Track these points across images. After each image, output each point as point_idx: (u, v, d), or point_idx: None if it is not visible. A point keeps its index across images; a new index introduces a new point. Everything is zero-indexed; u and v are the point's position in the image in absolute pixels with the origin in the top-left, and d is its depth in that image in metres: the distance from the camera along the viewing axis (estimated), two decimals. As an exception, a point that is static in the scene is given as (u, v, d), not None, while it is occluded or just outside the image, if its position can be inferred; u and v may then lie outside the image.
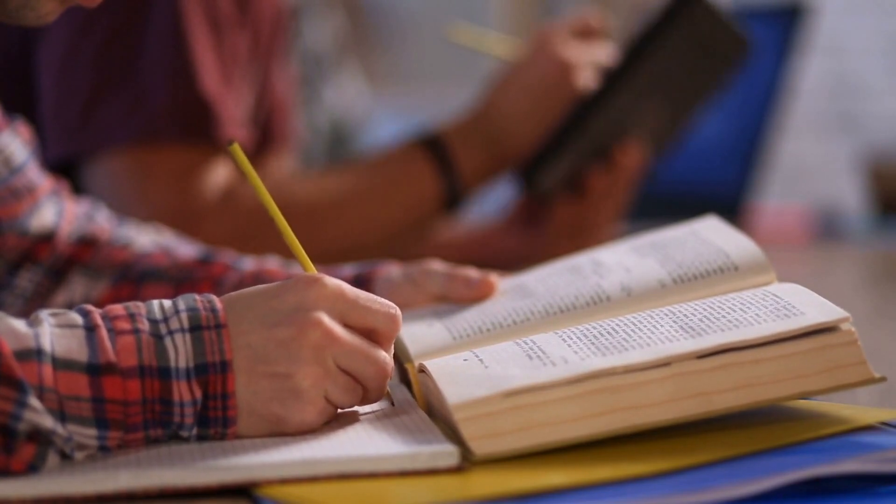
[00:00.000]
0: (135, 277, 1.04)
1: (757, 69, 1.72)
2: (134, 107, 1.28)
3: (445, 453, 0.72)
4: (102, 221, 1.08)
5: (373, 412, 0.80)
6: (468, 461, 0.72)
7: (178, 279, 1.03)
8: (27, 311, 0.75)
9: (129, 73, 1.28)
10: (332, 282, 0.77)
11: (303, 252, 0.83)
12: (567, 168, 1.47)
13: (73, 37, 1.28)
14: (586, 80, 1.46)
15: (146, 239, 1.08)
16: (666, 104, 1.51)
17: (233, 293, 0.78)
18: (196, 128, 1.29)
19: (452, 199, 1.42)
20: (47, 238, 1.04)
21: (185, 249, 1.07)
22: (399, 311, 0.79)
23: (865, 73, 3.37)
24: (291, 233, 0.83)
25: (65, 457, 0.72)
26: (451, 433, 0.75)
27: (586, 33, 1.49)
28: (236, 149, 0.81)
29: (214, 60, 1.31)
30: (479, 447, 0.72)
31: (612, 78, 1.46)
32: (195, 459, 0.72)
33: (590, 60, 1.47)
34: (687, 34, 1.46)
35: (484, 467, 0.72)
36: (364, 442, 0.75)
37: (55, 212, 1.05)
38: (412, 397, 0.84)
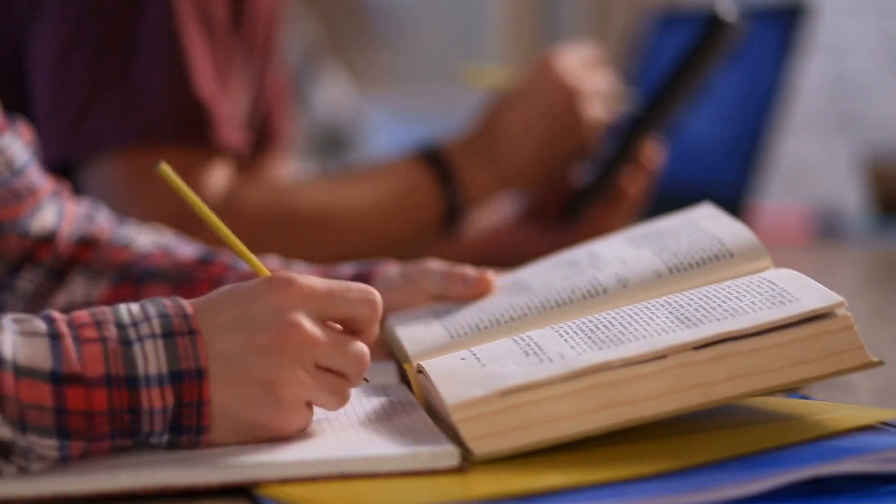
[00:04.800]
0: (135, 278, 1.04)
1: (757, 69, 1.72)
2: (129, 109, 1.28)
3: (446, 453, 0.72)
4: (102, 222, 1.08)
5: (373, 411, 0.80)
6: (468, 461, 0.72)
7: (177, 279, 1.03)
8: (27, 312, 0.74)
9: (124, 76, 1.28)
10: (304, 280, 0.76)
11: (250, 255, 0.82)
12: (607, 188, 1.52)
13: (66, 40, 1.28)
14: (592, 108, 1.49)
15: (146, 239, 1.08)
16: (683, 101, 1.54)
17: (201, 298, 0.76)
18: (192, 130, 1.29)
19: (452, 215, 1.43)
20: (48, 239, 1.04)
21: (185, 249, 1.07)
22: (377, 294, 0.78)
23: (865, 73, 3.37)
24: (234, 237, 0.81)
25: (21, 470, 0.70)
26: (451, 433, 0.75)
27: (588, 63, 1.51)
28: (165, 169, 0.80)
29: (209, 62, 1.31)
30: (479, 447, 0.72)
31: (654, 108, 1.51)
32: (196, 459, 0.72)
33: (596, 89, 1.50)
34: (719, 50, 1.49)
35: (484, 467, 0.72)
36: (364, 442, 0.75)
37: (56, 213, 1.05)
38: (412, 397, 0.84)
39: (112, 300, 1.03)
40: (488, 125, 1.46)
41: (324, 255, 1.28)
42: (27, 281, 1.04)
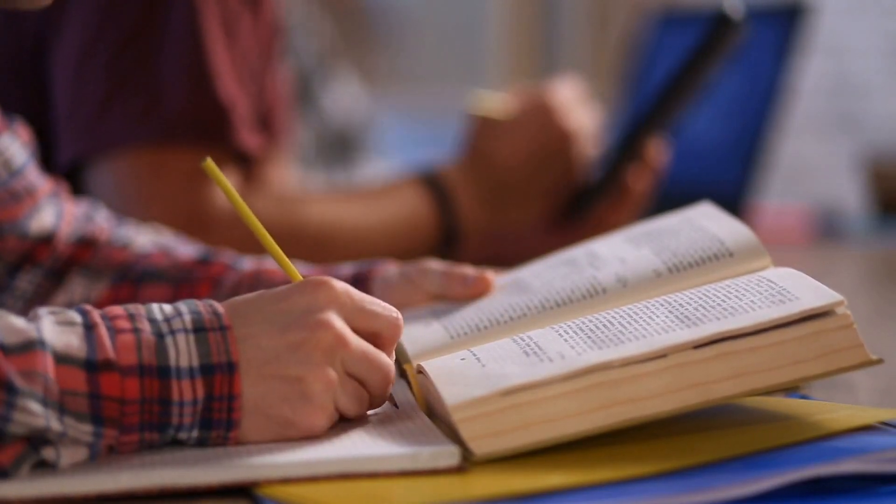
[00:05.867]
0: (134, 278, 1.04)
1: (757, 69, 1.72)
2: (150, 107, 1.28)
3: (446, 453, 0.72)
4: (101, 222, 1.08)
5: (374, 413, 0.80)
6: (468, 461, 0.72)
7: (177, 279, 1.03)
8: (27, 313, 0.74)
9: (146, 75, 1.28)
10: (340, 285, 0.77)
11: (287, 261, 0.83)
12: (612, 186, 1.53)
13: (89, 39, 1.28)
14: (582, 146, 1.52)
15: (145, 239, 1.08)
16: (688, 100, 1.55)
17: (236, 298, 0.78)
18: (212, 132, 1.29)
19: (448, 239, 1.45)
20: (47, 240, 1.04)
21: (185, 249, 1.07)
22: (400, 316, 0.80)
23: (865, 73, 3.37)
24: (272, 241, 0.83)
25: (45, 465, 0.71)
26: (451, 433, 0.75)
27: (577, 99, 1.55)
28: (210, 165, 0.81)
29: (229, 65, 1.31)
30: (479, 447, 0.72)
31: (659, 106, 1.52)
32: (196, 459, 0.72)
33: (585, 127, 1.54)
34: (725, 49, 1.50)
35: (484, 467, 0.72)
36: (365, 442, 0.75)
37: (54, 213, 1.05)
38: (412, 394, 0.84)
39: (111, 300, 1.03)
40: (481, 156, 1.49)
41: None
42: (26, 282, 1.04)
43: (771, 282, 0.79)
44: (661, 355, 0.75)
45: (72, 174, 1.28)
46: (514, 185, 1.50)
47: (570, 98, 1.53)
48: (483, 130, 1.51)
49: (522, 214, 1.52)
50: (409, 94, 4.07)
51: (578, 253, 0.98)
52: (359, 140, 2.18)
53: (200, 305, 0.76)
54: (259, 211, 1.32)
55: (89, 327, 0.73)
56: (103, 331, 0.73)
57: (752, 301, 0.77)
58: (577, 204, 1.53)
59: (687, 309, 0.78)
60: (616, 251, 0.96)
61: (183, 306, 0.76)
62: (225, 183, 0.82)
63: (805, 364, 0.75)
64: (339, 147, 2.13)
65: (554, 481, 0.69)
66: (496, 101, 1.56)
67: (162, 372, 0.73)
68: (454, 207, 1.45)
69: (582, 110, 1.54)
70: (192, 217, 1.27)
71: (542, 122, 1.51)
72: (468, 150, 1.50)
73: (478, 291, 0.97)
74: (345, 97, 2.15)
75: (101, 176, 1.29)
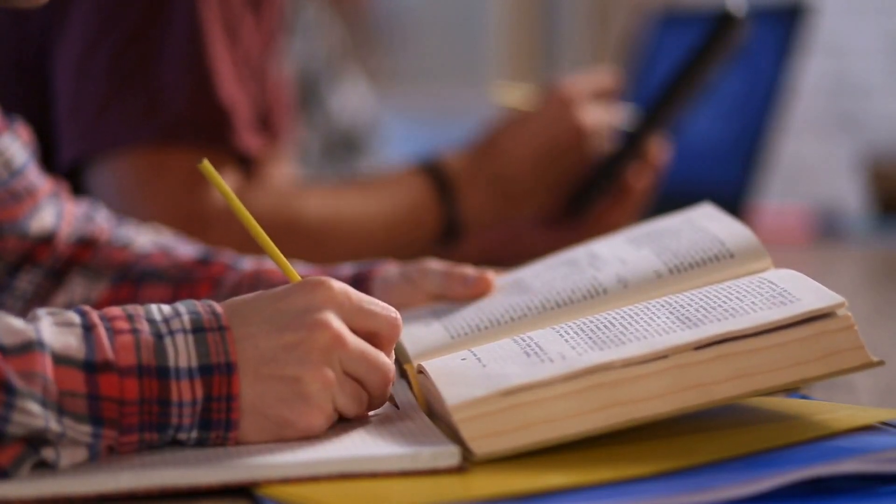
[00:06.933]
0: (134, 278, 1.04)
1: (757, 69, 1.72)
2: (150, 108, 1.28)
3: (446, 453, 0.72)
4: (101, 222, 1.08)
5: (375, 414, 0.80)
6: (469, 461, 0.72)
7: (177, 279, 1.03)
8: (27, 312, 0.74)
9: (147, 76, 1.28)
10: (338, 284, 0.77)
11: (285, 261, 0.83)
12: (611, 185, 1.52)
13: (90, 39, 1.28)
14: (595, 142, 1.51)
15: (145, 239, 1.08)
16: (689, 99, 1.55)
17: (235, 298, 0.78)
18: (212, 133, 1.29)
19: (450, 231, 1.44)
20: (47, 240, 1.04)
21: (185, 249, 1.07)
22: (399, 316, 0.80)
23: (865, 73, 3.37)
24: (270, 242, 0.83)
25: (45, 465, 0.71)
26: (452, 433, 0.75)
27: (601, 93, 1.53)
28: (207, 166, 0.81)
29: (231, 66, 1.31)
30: (480, 447, 0.72)
31: (660, 105, 1.51)
32: (196, 459, 0.72)
33: (602, 124, 1.52)
34: (725, 47, 1.50)
35: (485, 467, 0.72)
36: (365, 442, 0.75)
37: (55, 213, 1.05)
38: (412, 394, 0.84)
39: (111, 301, 1.03)
40: (491, 146, 1.48)
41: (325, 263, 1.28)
42: (26, 282, 1.04)
43: (772, 283, 0.79)
44: (661, 356, 0.75)
45: (72, 174, 1.28)
46: (522, 178, 1.48)
47: (586, 91, 1.51)
48: (498, 124, 1.50)
49: (527, 207, 1.50)
50: (408, 94, 4.07)
51: (579, 253, 0.98)
52: (365, 141, 2.18)
53: (199, 306, 0.76)
54: (257, 205, 1.32)
55: (88, 328, 0.73)
56: (102, 331, 0.73)
57: (753, 302, 0.78)
58: (577, 201, 1.53)
59: (688, 310, 0.78)
60: (617, 252, 0.96)
61: (181, 307, 0.76)
62: (222, 184, 0.82)
63: (806, 365, 0.75)
64: (345, 148, 2.13)
65: (554, 481, 0.69)
66: (520, 94, 1.55)
67: (161, 372, 0.73)
68: (456, 198, 1.44)
69: (598, 106, 1.52)
70: (192, 217, 1.27)
71: (557, 116, 1.49)
72: (482, 141, 1.49)
73: (478, 291, 0.97)
74: (352, 98, 2.15)
75: (101, 176, 1.29)
